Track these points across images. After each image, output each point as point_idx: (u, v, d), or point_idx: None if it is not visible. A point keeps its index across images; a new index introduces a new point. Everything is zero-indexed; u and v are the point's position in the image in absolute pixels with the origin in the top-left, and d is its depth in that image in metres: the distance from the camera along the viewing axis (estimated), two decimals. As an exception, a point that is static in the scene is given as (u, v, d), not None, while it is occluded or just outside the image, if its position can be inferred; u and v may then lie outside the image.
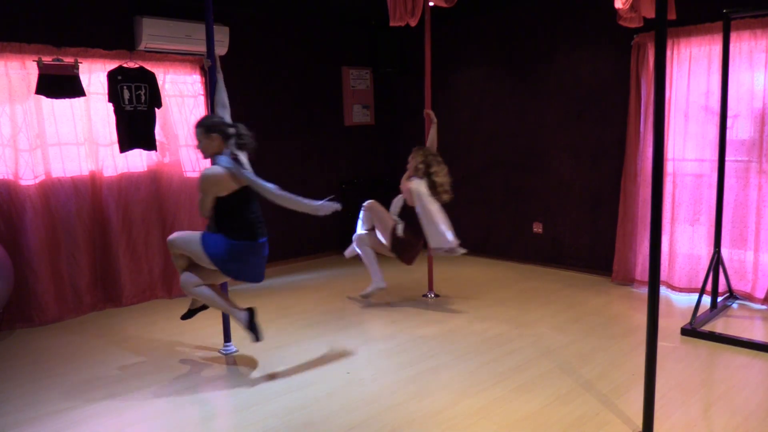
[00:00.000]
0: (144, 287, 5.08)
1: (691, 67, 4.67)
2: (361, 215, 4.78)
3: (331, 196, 3.55)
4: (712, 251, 4.37)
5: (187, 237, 3.42)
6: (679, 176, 4.84)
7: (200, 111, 5.30)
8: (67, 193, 4.65)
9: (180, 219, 5.18)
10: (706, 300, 4.39)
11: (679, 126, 4.79)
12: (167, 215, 5.16)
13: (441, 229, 4.32)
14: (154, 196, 5.11)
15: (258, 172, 5.93)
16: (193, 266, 3.46)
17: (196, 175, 5.31)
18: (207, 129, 3.39)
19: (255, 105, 5.95)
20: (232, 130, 3.44)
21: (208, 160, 3.51)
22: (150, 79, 4.87)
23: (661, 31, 2.48)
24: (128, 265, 4.97)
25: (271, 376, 3.45)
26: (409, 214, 4.56)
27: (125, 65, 4.77)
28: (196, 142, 3.45)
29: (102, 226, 4.88)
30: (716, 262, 4.28)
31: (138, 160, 5.03)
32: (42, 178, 4.53)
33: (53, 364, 3.76)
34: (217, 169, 3.28)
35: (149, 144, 4.92)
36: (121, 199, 4.93)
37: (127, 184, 4.96)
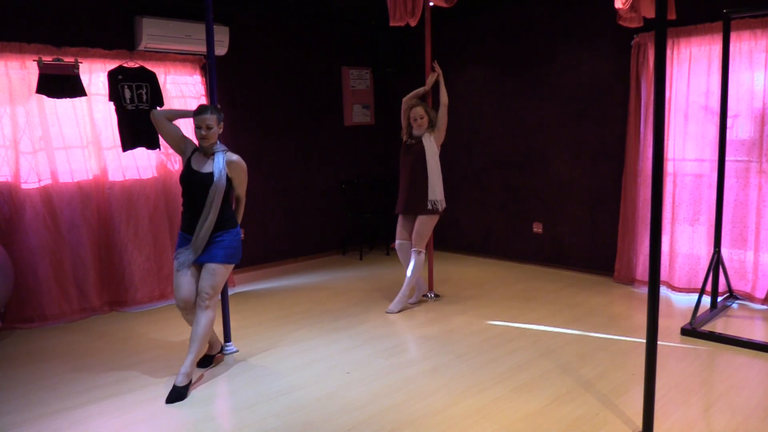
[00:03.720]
0: (150, 288, 5.07)
1: (691, 67, 4.67)
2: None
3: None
4: (712, 251, 4.37)
5: (221, 276, 3.38)
6: (679, 176, 4.84)
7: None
8: (70, 194, 4.64)
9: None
10: (706, 300, 4.40)
11: (679, 126, 4.79)
12: (174, 216, 5.16)
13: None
14: (161, 196, 5.11)
15: (258, 171, 5.98)
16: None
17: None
18: (220, 117, 3.40)
19: (255, 105, 5.95)
20: None
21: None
22: (151, 79, 4.87)
23: (661, 31, 2.48)
24: (134, 266, 4.96)
25: (271, 376, 3.45)
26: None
27: (126, 65, 4.77)
28: (210, 128, 3.30)
29: (106, 227, 4.87)
30: (716, 262, 4.28)
31: (145, 162, 5.02)
32: (44, 179, 4.53)
33: (53, 364, 3.75)
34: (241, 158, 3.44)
35: (152, 143, 4.91)
36: (126, 200, 4.92)
37: (132, 184, 4.96)
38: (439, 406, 3.04)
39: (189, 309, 3.36)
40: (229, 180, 3.38)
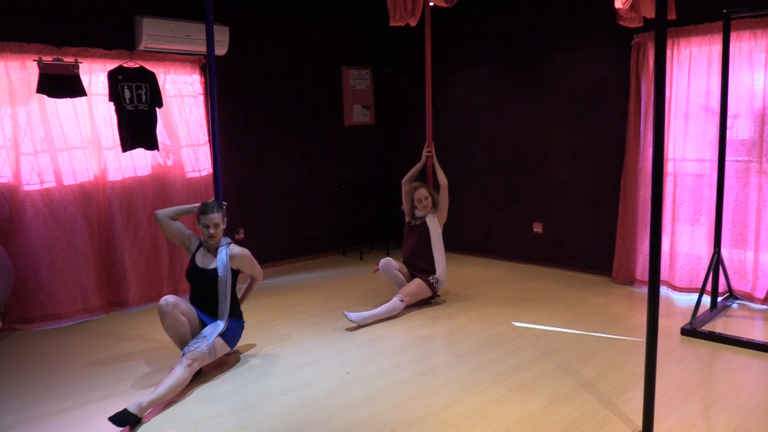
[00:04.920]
0: (149, 288, 5.07)
1: (691, 67, 4.67)
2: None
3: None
4: (712, 251, 4.37)
5: (215, 350, 3.38)
6: (680, 176, 4.84)
7: (200, 111, 5.31)
8: (71, 194, 4.64)
9: (185, 219, 5.19)
10: (706, 300, 4.40)
11: (679, 126, 4.79)
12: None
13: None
14: (158, 196, 5.10)
15: (258, 172, 5.98)
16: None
17: (197, 175, 5.31)
18: (224, 213, 3.53)
19: (255, 105, 5.95)
20: None
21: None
22: (150, 79, 4.87)
23: (661, 31, 2.48)
24: (133, 266, 4.96)
25: (271, 376, 3.46)
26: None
27: (125, 65, 4.77)
28: (217, 226, 3.45)
29: (106, 227, 4.87)
30: (716, 262, 4.28)
31: (142, 161, 5.02)
32: (46, 180, 4.52)
33: (53, 364, 3.76)
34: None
35: (151, 143, 4.92)
36: (125, 200, 4.92)
37: (131, 184, 4.96)
38: (439, 406, 3.04)
39: (167, 312, 3.28)
40: (236, 270, 3.56)
